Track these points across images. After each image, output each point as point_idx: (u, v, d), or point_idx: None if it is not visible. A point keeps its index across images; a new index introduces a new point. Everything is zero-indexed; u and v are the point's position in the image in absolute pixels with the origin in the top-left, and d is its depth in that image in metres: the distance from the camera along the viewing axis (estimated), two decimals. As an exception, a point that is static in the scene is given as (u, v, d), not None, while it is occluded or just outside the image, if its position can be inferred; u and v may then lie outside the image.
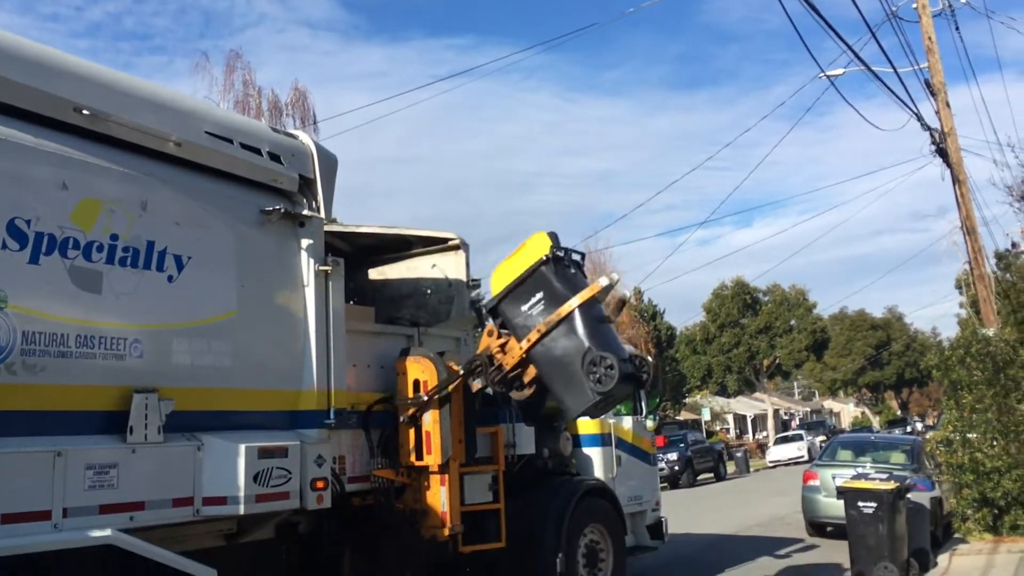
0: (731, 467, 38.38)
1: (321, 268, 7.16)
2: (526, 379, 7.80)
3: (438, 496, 7.97)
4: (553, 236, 7.72)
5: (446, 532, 7.88)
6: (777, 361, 57.27)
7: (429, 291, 9.53)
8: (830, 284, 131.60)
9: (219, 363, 6.40)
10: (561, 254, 7.64)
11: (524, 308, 7.58)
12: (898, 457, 15.74)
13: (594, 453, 10.58)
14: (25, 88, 5.53)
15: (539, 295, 7.49)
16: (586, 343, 7.26)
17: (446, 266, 9.57)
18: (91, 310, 5.67)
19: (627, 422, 11.28)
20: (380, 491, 7.80)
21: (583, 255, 8.13)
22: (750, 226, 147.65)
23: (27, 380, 5.29)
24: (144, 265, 6.02)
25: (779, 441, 47.10)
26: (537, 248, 7.66)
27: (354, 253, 9.44)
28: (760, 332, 55.36)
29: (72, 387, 5.54)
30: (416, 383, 8.02)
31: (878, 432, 29.37)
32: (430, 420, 7.90)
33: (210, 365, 6.34)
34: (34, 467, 5.21)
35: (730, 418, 71.00)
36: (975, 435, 13.80)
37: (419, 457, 7.85)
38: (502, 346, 7.95)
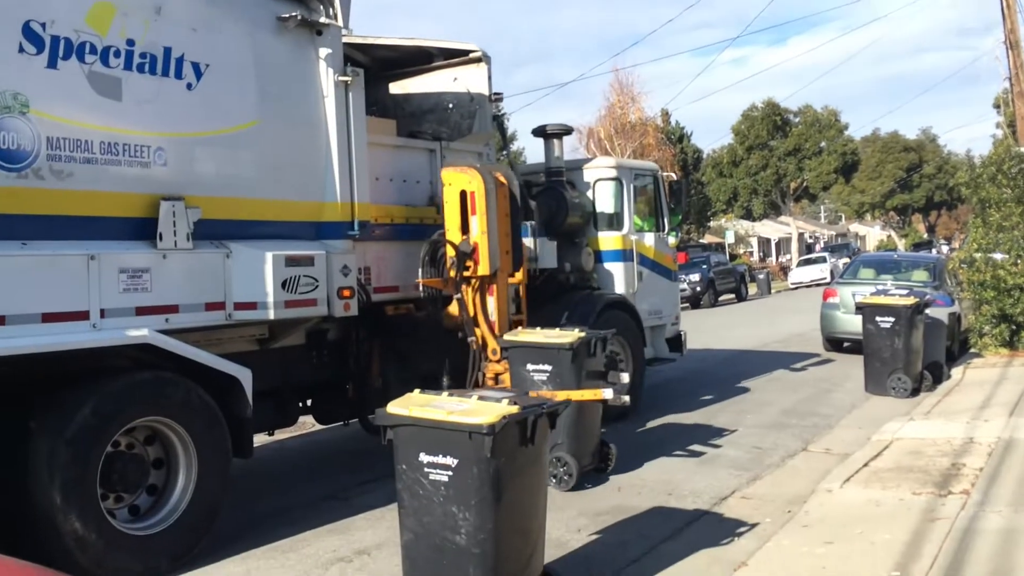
0: (753, 289, 38.80)
1: (341, 79, 7.11)
2: None
3: (491, 305, 8.36)
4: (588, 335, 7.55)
5: (494, 342, 8.26)
6: (804, 184, 56.59)
7: (451, 105, 9.45)
8: (867, 105, 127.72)
9: (243, 172, 6.58)
10: (591, 347, 7.52)
11: (530, 367, 7.51)
12: (920, 275, 15.80)
13: (616, 268, 10.71)
14: None
15: (548, 367, 7.42)
16: (560, 437, 7.15)
17: (468, 80, 9.47)
18: (113, 117, 5.77)
19: (649, 239, 11.29)
20: (429, 300, 8.20)
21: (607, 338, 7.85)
22: (784, 44, 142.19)
23: (55, 185, 5.50)
24: (163, 72, 6.04)
25: (802, 263, 47.29)
26: (568, 335, 7.53)
27: (374, 67, 9.33)
28: (789, 154, 54.38)
29: (100, 193, 5.75)
30: (463, 194, 8.13)
31: (902, 253, 29.44)
32: (478, 231, 8.07)
33: (235, 174, 6.52)
34: (69, 269, 5.49)
35: (754, 241, 71.06)
36: (999, 254, 13.80)
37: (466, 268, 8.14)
38: (497, 376, 8.21)
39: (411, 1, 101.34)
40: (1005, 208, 14.01)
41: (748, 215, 59.10)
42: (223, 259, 6.31)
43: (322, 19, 6.99)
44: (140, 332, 5.69)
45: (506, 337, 7.79)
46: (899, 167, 66.91)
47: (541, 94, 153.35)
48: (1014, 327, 13.63)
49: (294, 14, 6.79)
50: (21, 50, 5.32)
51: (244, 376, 6.18)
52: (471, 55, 9.46)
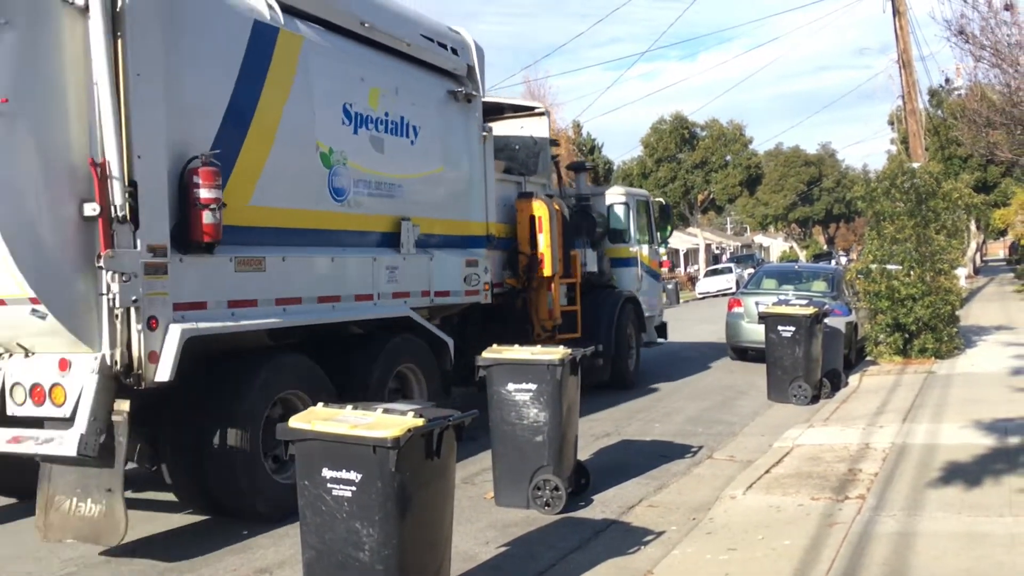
0: (662, 298, 39.42)
1: (483, 133, 10.32)
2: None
3: (546, 299, 11.60)
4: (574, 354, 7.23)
5: (550, 324, 11.68)
6: (711, 196, 57.98)
7: (517, 147, 12.38)
8: (772, 120, 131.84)
9: (437, 201, 9.53)
10: (577, 359, 7.18)
11: (511, 387, 6.99)
12: (819, 285, 16.32)
13: (625, 272, 14.15)
14: (342, 11, 8.19)
15: (533, 386, 6.92)
16: (546, 459, 6.90)
17: (532, 128, 12.73)
18: (380, 165, 8.57)
19: (645, 249, 14.70)
20: (510, 294, 11.29)
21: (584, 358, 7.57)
22: (694, 60, 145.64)
23: (356, 211, 8.28)
24: (401, 134, 8.88)
25: (709, 274, 48.44)
26: (555, 351, 7.10)
27: None
28: (696, 167, 55.66)
29: (375, 216, 8.56)
30: (532, 218, 11.41)
31: (803, 264, 30.45)
32: (543, 245, 11.39)
33: (433, 202, 9.43)
34: (360, 267, 8.26)
35: (662, 251, 72.32)
36: (893, 265, 14.35)
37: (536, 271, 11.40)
38: None
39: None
40: (898, 221, 14.58)
41: (657, 226, 60.08)
42: (428, 261, 9.18)
43: (473, 91, 10.03)
44: (401, 309, 8.64)
45: (485, 354, 7.20)
46: (800, 181, 69.11)
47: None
48: (907, 336, 14.19)
49: (460, 89, 9.86)
50: (342, 123, 8.06)
51: (450, 342, 9.17)
52: (536, 110, 13.03)
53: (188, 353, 6.19)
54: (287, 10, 7.51)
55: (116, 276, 5.86)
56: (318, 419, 4.61)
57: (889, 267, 14.37)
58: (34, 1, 5.73)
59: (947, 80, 28.13)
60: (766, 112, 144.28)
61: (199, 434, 6.52)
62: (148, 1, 6.15)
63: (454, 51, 9.76)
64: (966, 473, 7.17)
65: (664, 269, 17.29)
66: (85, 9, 5.87)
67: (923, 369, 13.21)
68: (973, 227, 43.90)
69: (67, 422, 5.89)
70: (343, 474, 4.45)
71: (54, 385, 6.02)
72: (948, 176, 17.41)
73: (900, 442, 8.50)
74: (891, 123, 45.91)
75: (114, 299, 5.89)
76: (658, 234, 15.39)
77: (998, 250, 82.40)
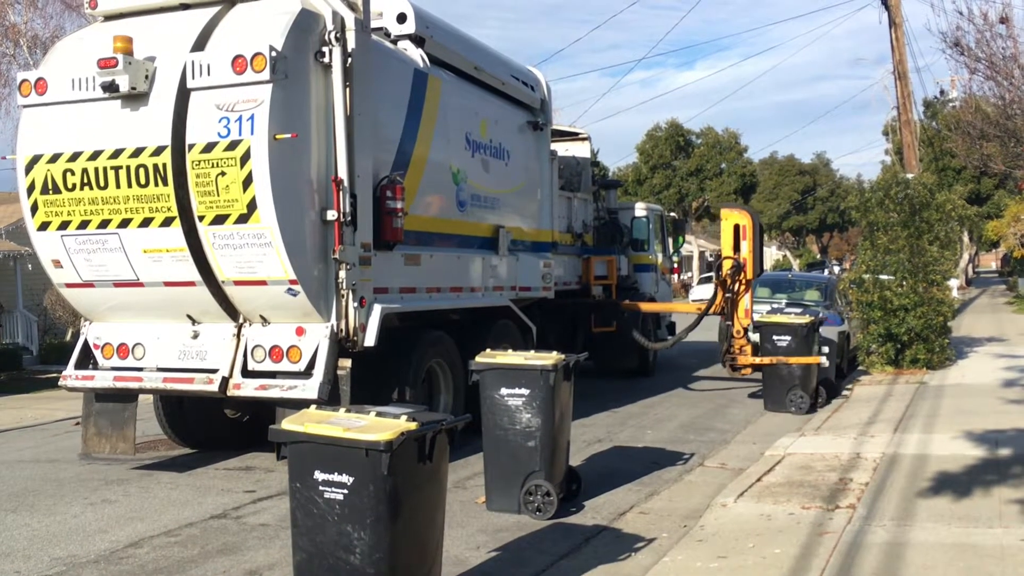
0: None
1: (550, 156, 12.41)
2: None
3: (743, 299, 12.82)
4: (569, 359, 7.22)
5: (747, 322, 12.71)
6: (706, 203, 58.06)
7: (563, 167, 13.83)
8: (767, 128, 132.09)
9: (521, 212, 11.56)
10: (571, 365, 7.16)
11: (504, 392, 6.97)
12: (812, 294, 16.34)
13: (645, 276, 16.26)
14: (463, 58, 10.30)
15: (525, 391, 6.89)
16: (537, 464, 6.89)
17: (575, 150, 14.90)
18: (484, 181, 10.54)
19: (660, 257, 16.96)
20: (712, 297, 13.07)
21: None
22: (693, 68, 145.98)
23: (471, 219, 10.30)
24: (499, 157, 10.90)
25: (703, 281, 48.33)
26: (548, 356, 7.08)
27: None
28: (691, 174, 55.75)
29: (481, 223, 10.56)
30: (736, 227, 12.78)
31: (796, 273, 30.51)
32: (746, 250, 12.66)
33: (517, 213, 11.44)
34: (474, 264, 10.32)
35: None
36: (886, 275, 14.39)
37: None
38: (741, 348, 12.55)
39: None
40: (892, 232, 14.62)
41: (652, 233, 60.08)
42: (515, 261, 11.16)
43: (544, 122, 12.09)
44: (502, 300, 10.68)
45: (479, 359, 7.15)
46: (794, 190, 69.17)
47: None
48: (899, 346, 14.22)
49: (536, 120, 11.94)
50: (463, 149, 10.05)
51: (534, 327, 11.02)
52: (579, 136, 15.25)
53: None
54: (431, 59, 9.63)
55: (344, 265, 7.80)
56: (311, 421, 4.59)
57: (882, 277, 14.41)
58: (301, 62, 7.62)
59: (942, 92, 28.27)
60: (761, 121, 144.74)
61: (378, 389, 8.13)
62: (363, 57, 7.97)
63: (531, 88, 11.85)
64: (956, 484, 7.19)
65: (674, 276, 20.14)
66: (329, 66, 7.77)
67: (915, 379, 13.24)
68: (966, 238, 44.05)
69: (303, 375, 7.75)
70: (335, 477, 4.43)
71: (292, 347, 7.85)
72: (942, 187, 17.43)
73: (891, 452, 8.52)
74: (886, 134, 46.04)
75: (342, 283, 7.82)
76: (671, 244, 17.67)
77: (990, 262, 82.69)
